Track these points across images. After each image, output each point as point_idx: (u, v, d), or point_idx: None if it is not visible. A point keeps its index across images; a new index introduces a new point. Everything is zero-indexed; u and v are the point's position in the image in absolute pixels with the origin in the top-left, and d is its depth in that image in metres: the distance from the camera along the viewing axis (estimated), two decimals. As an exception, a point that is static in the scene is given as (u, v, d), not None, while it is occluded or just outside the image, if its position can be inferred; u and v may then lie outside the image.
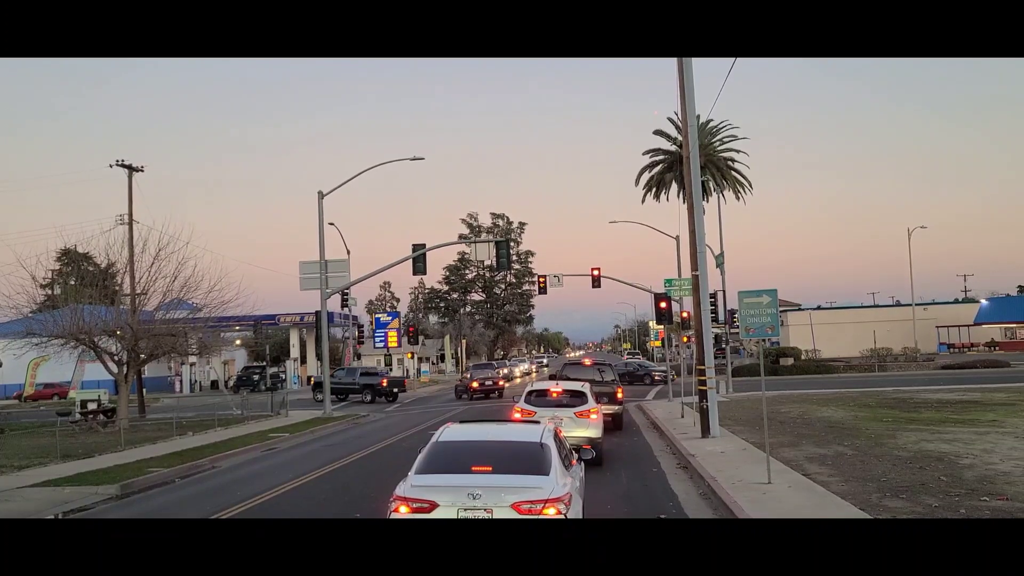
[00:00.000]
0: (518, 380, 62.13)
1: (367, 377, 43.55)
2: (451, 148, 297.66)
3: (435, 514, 7.21)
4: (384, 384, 42.73)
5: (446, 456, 8.12)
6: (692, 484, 13.35)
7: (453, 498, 7.25)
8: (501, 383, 44.64)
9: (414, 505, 7.30)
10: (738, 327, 17.21)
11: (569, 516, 7.32)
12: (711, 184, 40.52)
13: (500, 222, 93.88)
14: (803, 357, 57.88)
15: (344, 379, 43.65)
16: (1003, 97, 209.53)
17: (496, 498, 7.20)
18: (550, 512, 7.16)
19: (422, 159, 34.83)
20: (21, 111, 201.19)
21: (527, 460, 7.90)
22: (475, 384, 41.73)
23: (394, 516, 7.37)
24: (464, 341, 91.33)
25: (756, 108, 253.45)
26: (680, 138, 33.59)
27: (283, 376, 61.99)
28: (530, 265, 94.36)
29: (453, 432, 8.86)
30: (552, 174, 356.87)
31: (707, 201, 37.94)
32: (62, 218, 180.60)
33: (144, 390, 36.70)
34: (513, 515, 7.12)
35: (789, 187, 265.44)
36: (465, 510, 7.18)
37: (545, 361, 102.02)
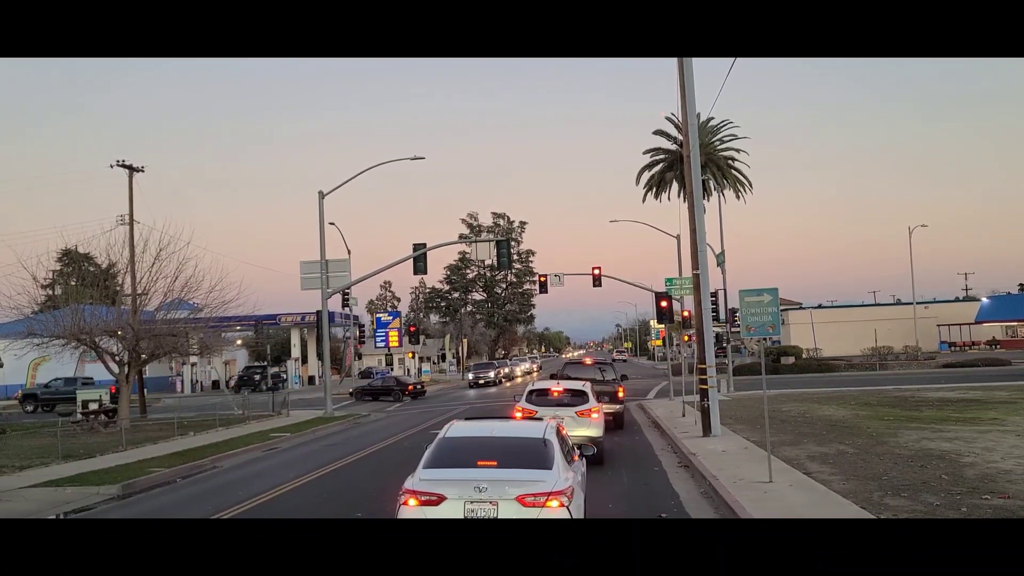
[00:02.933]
0: (519, 380, 62.06)
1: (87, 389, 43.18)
2: (452, 147, 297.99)
3: (443, 506, 7.45)
4: (113, 391, 44.00)
5: (452, 451, 8.34)
6: (693, 483, 13.34)
7: (460, 491, 7.49)
8: (424, 386, 49.29)
9: (423, 498, 7.54)
10: (739, 326, 17.19)
11: (571, 509, 7.51)
12: (711, 183, 40.54)
13: (501, 221, 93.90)
14: (804, 356, 57.89)
15: (62, 388, 41.04)
16: (1003, 95, 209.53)
17: (501, 491, 7.43)
18: (553, 504, 7.37)
19: (422, 159, 34.82)
20: (22, 111, 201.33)
21: (530, 455, 8.11)
22: (411, 387, 46.06)
23: (404, 508, 7.62)
24: (465, 340, 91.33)
25: (756, 107, 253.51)
26: (680, 137, 33.54)
27: (284, 376, 62.03)
28: (531, 264, 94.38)
29: (459, 429, 9.10)
30: (553, 173, 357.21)
31: (707, 200, 38.01)
32: (63, 218, 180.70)
33: (145, 390, 36.74)
34: (517, 507, 7.36)
35: (789, 186, 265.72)
36: (472, 502, 7.42)
37: (539, 362, 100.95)
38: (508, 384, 57.03)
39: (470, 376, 57.82)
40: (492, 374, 57.47)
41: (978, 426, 17.48)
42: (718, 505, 11.24)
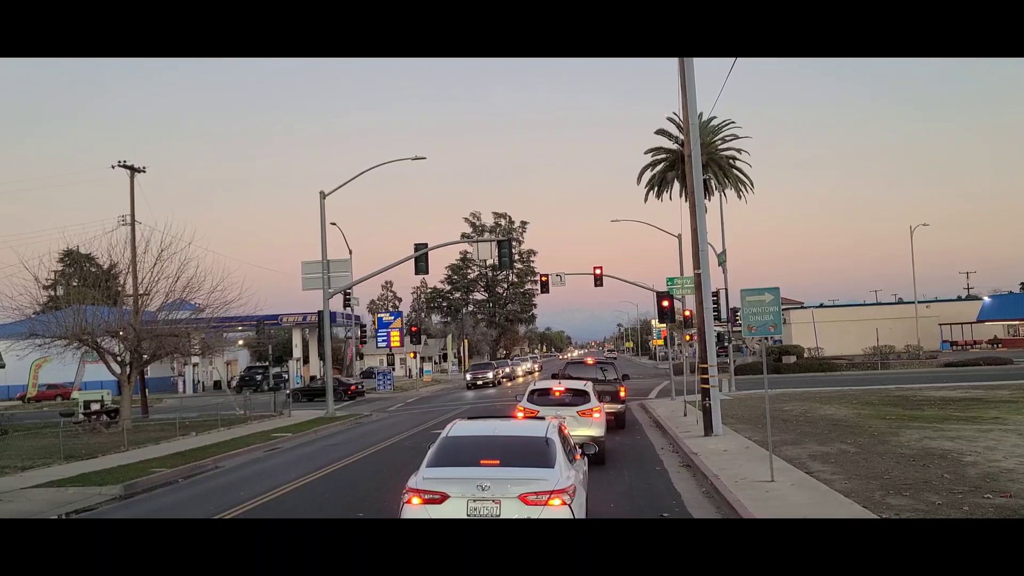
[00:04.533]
0: (520, 379, 61.98)
1: None
2: (453, 147, 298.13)
3: (446, 505, 7.49)
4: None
5: (455, 450, 8.37)
6: (695, 482, 13.34)
7: (463, 489, 7.52)
8: (364, 387, 49.83)
9: (426, 496, 7.58)
10: (741, 325, 17.20)
11: (573, 507, 7.53)
12: (713, 183, 40.52)
13: (502, 221, 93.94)
14: (806, 355, 57.84)
15: None
16: (1005, 94, 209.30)
17: (503, 489, 7.47)
18: (555, 503, 7.40)
19: (423, 159, 34.82)
20: (25, 112, 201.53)
21: (533, 454, 8.15)
22: (352, 388, 46.58)
23: (407, 507, 7.66)
24: (466, 340, 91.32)
25: (758, 107, 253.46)
26: (682, 137, 33.56)
27: (286, 376, 62.04)
28: (532, 264, 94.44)
29: (461, 428, 9.14)
30: (554, 173, 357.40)
31: (709, 200, 38.02)
32: (65, 219, 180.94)
33: (147, 390, 36.76)
34: (520, 505, 7.40)
35: (791, 185, 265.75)
36: (475, 501, 7.46)
37: (540, 362, 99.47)
38: (509, 384, 56.79)
39: (467, 377, 56.28)
40: (491, 375, 55.80)
41: (980, 425, 17.47)
42: (720, 505, 11.24)
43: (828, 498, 10.61)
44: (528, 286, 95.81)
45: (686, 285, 32.28)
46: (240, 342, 67.56)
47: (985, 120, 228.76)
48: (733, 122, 42.95)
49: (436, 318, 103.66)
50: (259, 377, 56.43)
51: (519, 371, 68.69)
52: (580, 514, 7.83)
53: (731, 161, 42.56)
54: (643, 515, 10.97)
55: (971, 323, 75.72)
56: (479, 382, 53.61)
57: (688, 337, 33.32)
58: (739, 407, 25.13)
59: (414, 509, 7.57)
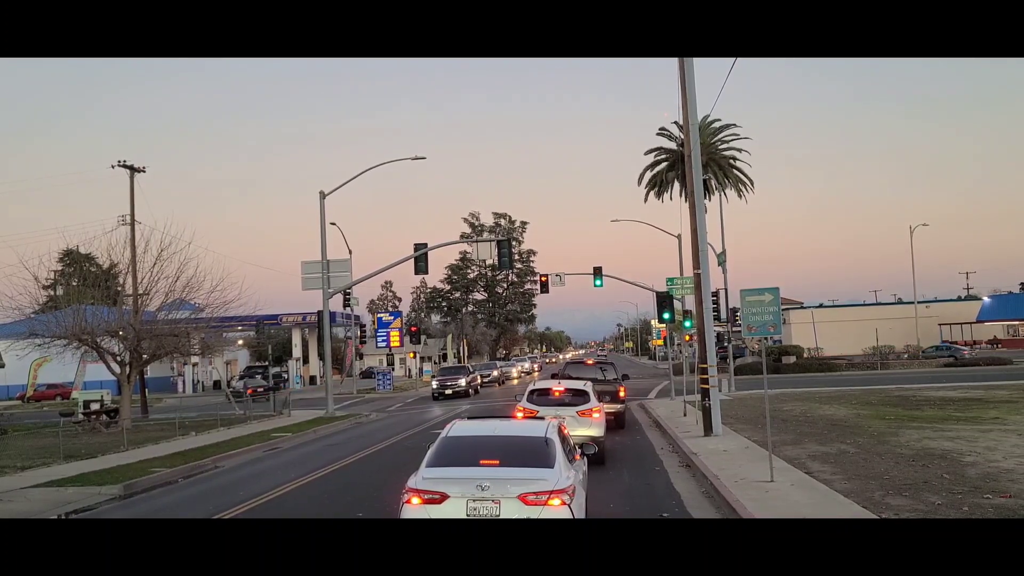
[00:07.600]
0: (516, 380, 61.68)
1: None
2: (453, 148, 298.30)
3: (445, 505, 7.49)
4: None
5: (455, 450, 8.38)
6: (695, 482, 13.34)
7: (462, 489, 7.52)
8: (262, 390, 47.02)
9: (426, 496, 7.58)
10: (740, 325, 17.21)
11: (573, 508, 7.54)
12: (713, 183, 40.50)
13: (502, 221, 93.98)
14: (805, 355, 57.85)
15: None
16: (1005, 94, 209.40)
17: (503, 489, 7.47)
18: (555, 503, 7.40)
19: (423, 159, 34.84)
20: (23, 112, 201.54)
21: (532, 454, 8.15)
22: (250, 391, 44.57)
23: (407, 507, 7.66)
24: (466, 340, 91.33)
25: (758, 106, 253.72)
26: (682, 137, 33.55)
27: (286, 376, 61.99)
28: (532, 264, 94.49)
29: (461, 428, 9.14)
30: (554, 174, 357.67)
31: (709, 200, 37.98)
32: (65, 219, 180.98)
33: (147, 390, 36.75)
34: (519, 505, 7.40)
35: (791, 185, 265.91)
36: (474, 501, 7.46)
37: (539, 363, 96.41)
38: (498, 387, 54.80)
39: (434, 384, 44.01)
40: (463, 382, 43.43)
41: (980, 425, 17.47)
42: (719, 505, 11.24)
43: (828, 498, 10.61)
44: (528, 286, 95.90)
45: (686, 285, 32.30)
46: (240, 342, 67.61)
47: (986, 120, 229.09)
48: (735, 124, 42.99)
49: (436, 318, 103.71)
50: (259, 377, 56.37)
51: (513, 372, 66.54)
52: (580, 514, 7.83)
53: (731, 161, 42.56)
54: (643, 515, 10.97)
55: (971, 323, 75.76)
56: (448, 391, 42.24)
57: (688, 337, 33.30)
58: (739, 407, 25.14)
59: (414, 509, 7.58)
